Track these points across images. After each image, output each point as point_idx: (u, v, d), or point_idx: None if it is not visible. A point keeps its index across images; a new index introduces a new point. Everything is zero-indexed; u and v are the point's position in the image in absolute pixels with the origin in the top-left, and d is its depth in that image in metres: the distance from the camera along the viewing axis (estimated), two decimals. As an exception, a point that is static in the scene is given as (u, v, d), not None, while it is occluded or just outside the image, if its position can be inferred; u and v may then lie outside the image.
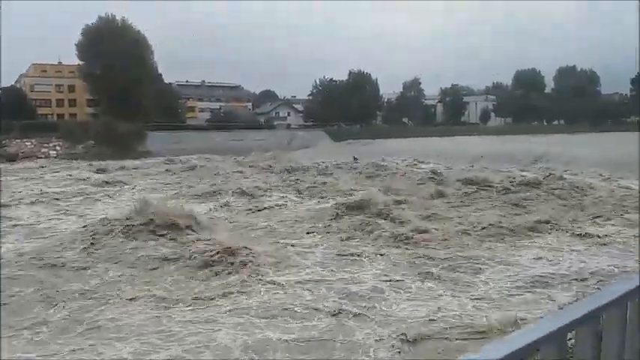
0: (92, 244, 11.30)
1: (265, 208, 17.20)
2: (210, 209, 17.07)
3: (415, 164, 35.60)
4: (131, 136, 57.41)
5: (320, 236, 12.58)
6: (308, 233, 12.99)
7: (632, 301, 1.48)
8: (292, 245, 11.68)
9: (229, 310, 7.71)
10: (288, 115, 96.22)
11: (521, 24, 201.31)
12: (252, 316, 7.48)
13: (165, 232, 11.64)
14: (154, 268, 9.92)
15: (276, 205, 17.59)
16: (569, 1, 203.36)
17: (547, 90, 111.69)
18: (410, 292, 8.46)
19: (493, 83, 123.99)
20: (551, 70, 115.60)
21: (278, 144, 60.69)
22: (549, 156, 33.58)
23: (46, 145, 54.35)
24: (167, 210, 12.75)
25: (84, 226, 13.22)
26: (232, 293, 8.40)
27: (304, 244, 11.83)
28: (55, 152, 53.48)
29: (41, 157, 50.00)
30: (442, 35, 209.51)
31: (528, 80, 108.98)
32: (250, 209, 17.00)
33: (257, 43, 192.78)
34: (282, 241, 12.10)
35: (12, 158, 47.75)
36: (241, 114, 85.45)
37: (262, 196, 19.41)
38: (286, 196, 19.47)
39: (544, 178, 20.77)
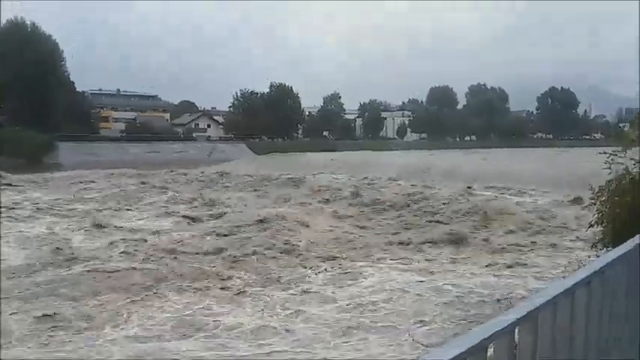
0: None
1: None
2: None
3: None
4: (39, 148, 54.36)
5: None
6: None
7: (521, 329, 1.47)
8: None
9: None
10: (208, 126, 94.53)
11: (437, 41, 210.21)
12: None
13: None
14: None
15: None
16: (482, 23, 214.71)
17: (459, 107, 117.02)
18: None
19: (409, 99, 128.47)
20: (463, 87, 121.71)
21: (198, 157, 59.56)
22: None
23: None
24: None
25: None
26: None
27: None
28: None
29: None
30: (362, 50, 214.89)
31: (441, 97, 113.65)
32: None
33: (175, 54, 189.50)
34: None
35: None
36: (158, 125, 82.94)
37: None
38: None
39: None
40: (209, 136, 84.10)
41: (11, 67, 60.28)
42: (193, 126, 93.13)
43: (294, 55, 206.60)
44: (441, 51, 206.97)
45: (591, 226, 6.88)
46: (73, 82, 71.97)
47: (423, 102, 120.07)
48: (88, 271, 10.81)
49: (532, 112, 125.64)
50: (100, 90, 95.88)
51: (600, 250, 6.68)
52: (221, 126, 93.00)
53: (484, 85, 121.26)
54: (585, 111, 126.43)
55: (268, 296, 9.44)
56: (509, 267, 11.34)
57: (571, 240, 13.83)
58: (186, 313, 8.56)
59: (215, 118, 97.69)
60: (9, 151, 51.91)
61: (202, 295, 9.44)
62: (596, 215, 6.71)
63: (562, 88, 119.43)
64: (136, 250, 12.70)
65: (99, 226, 15.84)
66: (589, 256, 7.33)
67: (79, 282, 10.06)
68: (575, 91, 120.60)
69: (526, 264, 11.57)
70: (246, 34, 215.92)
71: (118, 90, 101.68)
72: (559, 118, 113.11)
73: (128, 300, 9.12)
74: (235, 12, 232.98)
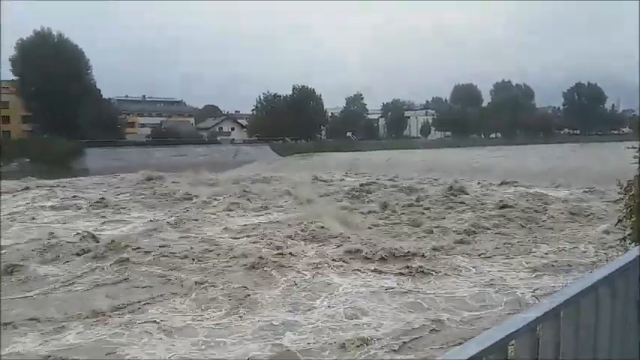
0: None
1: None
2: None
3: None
4: (68, 154, 55.52)
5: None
6: None
7: (543, 327, 1.48)
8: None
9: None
10: (232, 130, 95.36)
11: (458, 38, 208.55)
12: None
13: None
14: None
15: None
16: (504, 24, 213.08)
17: (484, 104, 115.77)
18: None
19: (432, 98, 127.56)
20: (488, 85, 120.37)
21: (222, 159, 59.98)
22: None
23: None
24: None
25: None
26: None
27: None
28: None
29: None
30: (385, 49, 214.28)
31: (466, 95, 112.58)
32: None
33: (200, 58, 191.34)
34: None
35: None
36: (183, 129, 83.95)
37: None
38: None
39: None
40: (233, 139, 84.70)
41: (40, 77, 61.77)
42: (217, 129, 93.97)
43: (318, 57, 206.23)
44: (464, 47, 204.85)
45: (619, 220, 6.77)
46: (100, 90, 73.35)
47: (447, 100, 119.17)
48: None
49: (558, 108, 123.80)
50: (127, 96, 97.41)
51: (630, 244, 6.58)
52: (245, 129, 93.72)
53: (509, 81, 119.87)
54: (613, 105, 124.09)
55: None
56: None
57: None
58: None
59: (239, 121, 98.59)
60: (39, 157, 53.30)
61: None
62: (625, 210, 6.61)
63: (589, 83, 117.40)
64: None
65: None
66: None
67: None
68: (604, 86, 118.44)
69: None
70: (268, 38, 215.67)
71: (144, 96, 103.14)
72: (586, 114, 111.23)
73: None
74: (256, 16, 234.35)
